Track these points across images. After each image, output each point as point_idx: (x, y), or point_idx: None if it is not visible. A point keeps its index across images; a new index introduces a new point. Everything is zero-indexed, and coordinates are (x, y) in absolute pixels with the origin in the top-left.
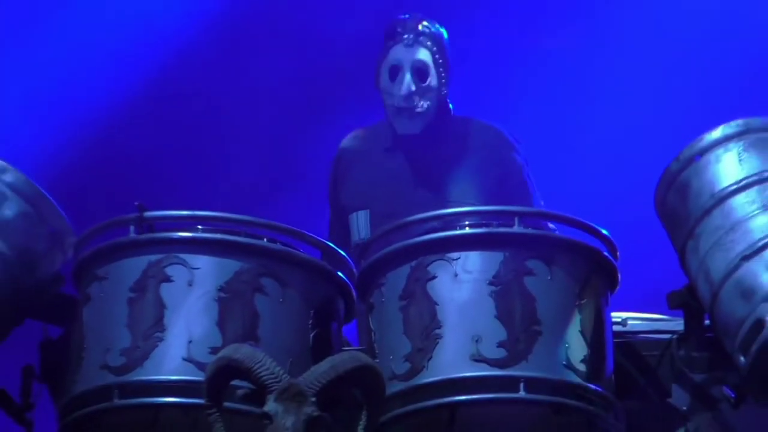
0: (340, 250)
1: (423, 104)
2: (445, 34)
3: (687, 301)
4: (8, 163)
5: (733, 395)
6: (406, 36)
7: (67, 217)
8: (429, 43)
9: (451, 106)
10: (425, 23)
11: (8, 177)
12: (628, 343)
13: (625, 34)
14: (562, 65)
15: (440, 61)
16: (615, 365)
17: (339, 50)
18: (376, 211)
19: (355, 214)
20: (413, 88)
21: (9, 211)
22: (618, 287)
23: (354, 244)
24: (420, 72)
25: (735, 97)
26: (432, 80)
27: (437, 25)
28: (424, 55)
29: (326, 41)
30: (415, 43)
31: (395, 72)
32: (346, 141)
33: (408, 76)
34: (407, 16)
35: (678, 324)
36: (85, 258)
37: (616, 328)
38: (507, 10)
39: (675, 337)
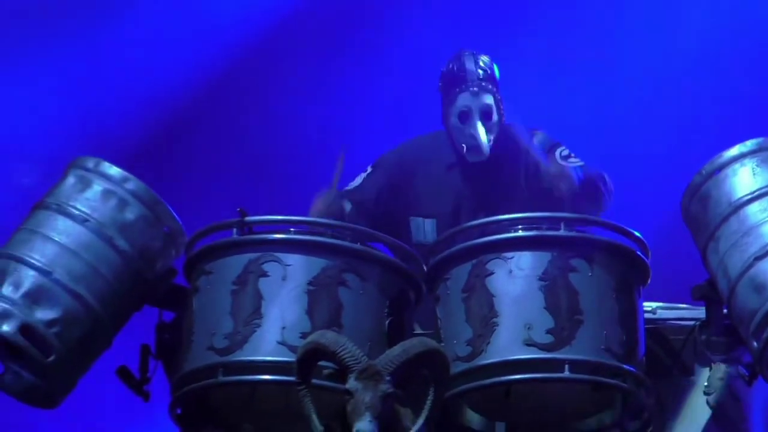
0: (413, 251)
1: (490, 138)
2: (496, 68)
3: (708, 293)
4: (129, 173)
5: (747, 374)
6: (472, 85)
7: (179, 219)
8: (490, 86)
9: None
10: (482, 65)
11: (130, 185)
12: (658, 329)
13: (658, 54)
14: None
15: (499, 96)
16: (646, 349)
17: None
18: (442, 222)
19: (421, 219)
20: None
21: (131, 214)
22: (649, 281)
23: (416, 243)
24: (486, 114)
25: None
26: (495, 117)
27: (491, 62)
28: (488, 99)
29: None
30: (480, 90)
31: (465, 116)
32: (410, 148)
33: (479, 123)
34: (468, 60)
35: (700, 313)
36: (194, 255)
37: (647, 316)
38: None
39: (698, 324)
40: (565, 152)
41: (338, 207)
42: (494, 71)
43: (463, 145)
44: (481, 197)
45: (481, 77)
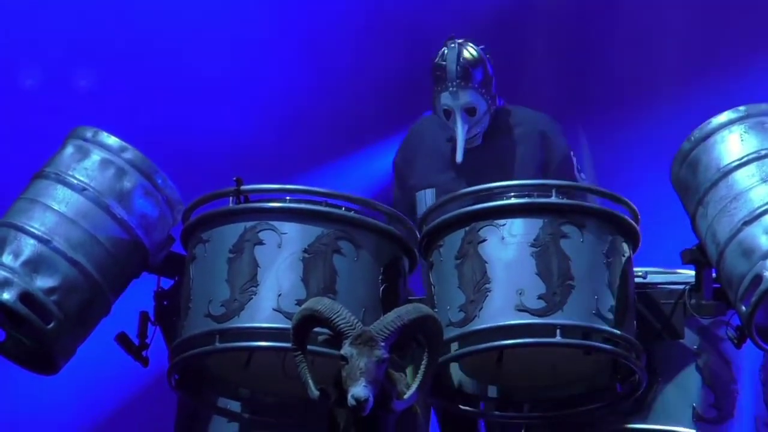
0: (404, 216)
1: (478, 130)
2: (480, 54)
3: (697, 257)
4: (127, 143)
5: (736, 336)
6: (449, 85)
7: (177, 188)
8: (471, 82)
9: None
10: (465, 58)
11: (128, 155)
12: (648, 293)
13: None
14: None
15: (484, 88)
16: (637, 313)
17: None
18: (440, 191)
19: (423, 191)
20: (467, 127)
21: (129, 183)
22: (639, 247)
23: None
24: (470, 110)
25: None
26: (481, 109)
27: (474, 50)
28: (469, 96)
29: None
30: (459, 89)
31: (448, 114)
32: (416, 125)
33: (460, 121)
34: (450, 55)
35: (690, 277)
36: (191, 223)
37: (637, 280)
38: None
39: (687, 288)
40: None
41: None
42: (479, 63)
43: (452, 136)
44: (478, 172)
45: (460, 74)
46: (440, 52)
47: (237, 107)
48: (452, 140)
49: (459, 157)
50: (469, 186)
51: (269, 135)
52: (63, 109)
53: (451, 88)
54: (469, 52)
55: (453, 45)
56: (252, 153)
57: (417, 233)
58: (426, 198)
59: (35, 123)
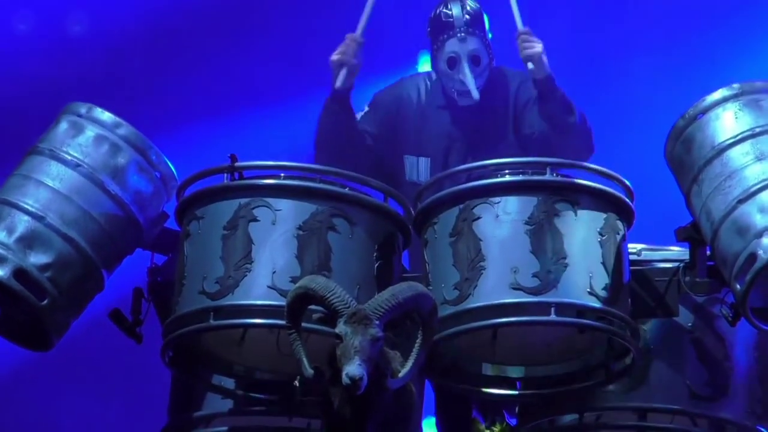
0: (400, 195)
1: (480, 82)
2: (481, 8)
3: (692, 235)
4: (121, 119)
5: (730, 314)
6: (459, 31)
7: (171, 164)
8: (477, 31)
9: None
10: (469, 9)
11: (122, 131)
12: (642, 271)
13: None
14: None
15: (487, 40)
16: (631, 290)
17: None
18: (436, 161)
19: (415, 158)
20: (472, 75)
21: (123, 159)
22: (633, 224)
23: (410, 181)
24: (475, 59)
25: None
26: (484, 60)
27: (478, 6)
28: (476, 43)
29: None
30: (467, 35)
31: (453, 62)
32: (405, 86)
33: (467, 68)
34: (455, 5)
35: (684, 254)
36: (185, 200)
37: (632, 257)
38: None
39: (681, 265)
40: None
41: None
42: (482, 15)
43: (454, 90)
44: (470, 140)
45: (467, 22)
46: (443, 3)
47: None
48: (445, 108)
49: (475, 95)
50: (462, 160)
51: None
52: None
53: (459, 34)
54: (473, 4)
55: None
56: None
57: (411, 210)
58: (419, 167)
59: (28, 67)
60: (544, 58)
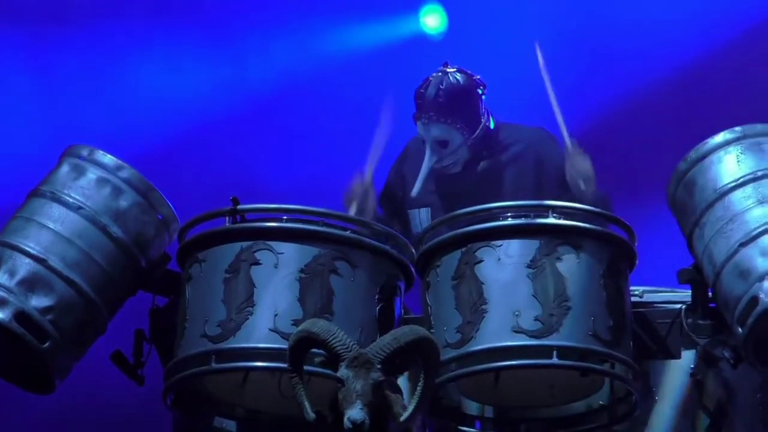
0: (402, 236)
1: (450, 161)
2: (468, 83)
3: (694, 277)
4: (123, 161)
5: (732, 357)
6: (423, 116)
7: (173, 207)
8: (444, 117)
9: (491, 122)
10: (444, 88)
11: (124, 173)
12: (644, 312)
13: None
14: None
15: (459, 123)
16: (633, 332)
17: None
18: (435, 208)
19: (417, 210)
20: (437, 158)
21: (125, 202)
22: (635, 266)
23: (415, 233)
24: (442, 143)
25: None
26: (454, 142)
27: (462, 78)
28: (440, 130)
29: None
30: (430, 122)
31: (423, 143)
32: (411, 143)
33: (428, 152)
34: (433, 83)
35: (687, 296)
36: (187, 243)
37: (634, 299)
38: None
39: (683, 307)
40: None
41: (372, 206)
42: (463, 93)
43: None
44: (473, 188)
45: (438, 106)
46: (426, 79)
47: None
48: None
49: (415, 191)
50: (463, 207)
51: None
52: None
53: (424, 120)
54: (456, 80)
55: (439, 73)
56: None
57: (413, 252)
58: (420, 216)
59: None
60: (594, 176)
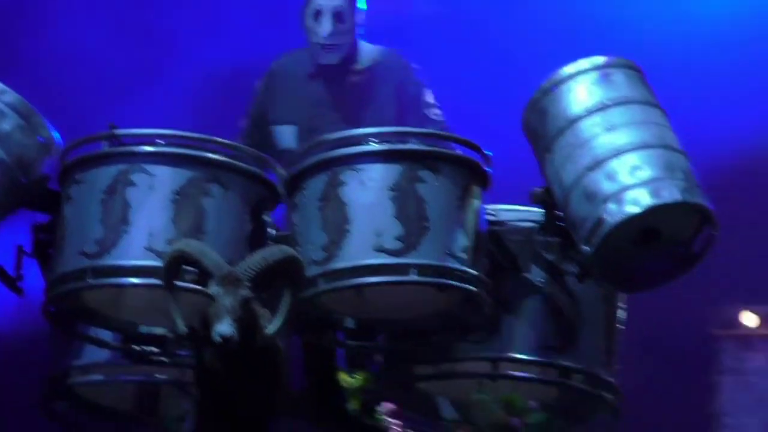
0: (269, 159)
1: (340, 41)
2: None
3: (545, 199)
4: (5, 86)
5: (578, 272)
6: None
7: (53, 129)
8: None
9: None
10: None
11: (6, 97)
12: (498, 231)
13: None
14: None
15: (353, 6)
16: (488, 249)
17: None
18: (301, 127)
19: (282, 126)
20: (333, 29)
21: (7, 125)
22: (488, 187)
23: (281, 150)
24: (339, 16)
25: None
26: (348, 22)
27: None
28: (341, 1)
29: None
30: None
31: (318, 15)
32: (276, 63)
33: (329, 20)
34: None
35: (539, 213)
36: (67, 166)
37: (489, 217)
38: None
39: (535, 226)
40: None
41: None
42: None
43: (318, 44)
44: (335, 100)
45: None
46: None
47: None
48: (314, 76)
49: (338, 53)
50: (330, 123)
51: None
52: None
53: None
54: None
55: None
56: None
57: (283, 173)
58: (285, 134)
59: None
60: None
